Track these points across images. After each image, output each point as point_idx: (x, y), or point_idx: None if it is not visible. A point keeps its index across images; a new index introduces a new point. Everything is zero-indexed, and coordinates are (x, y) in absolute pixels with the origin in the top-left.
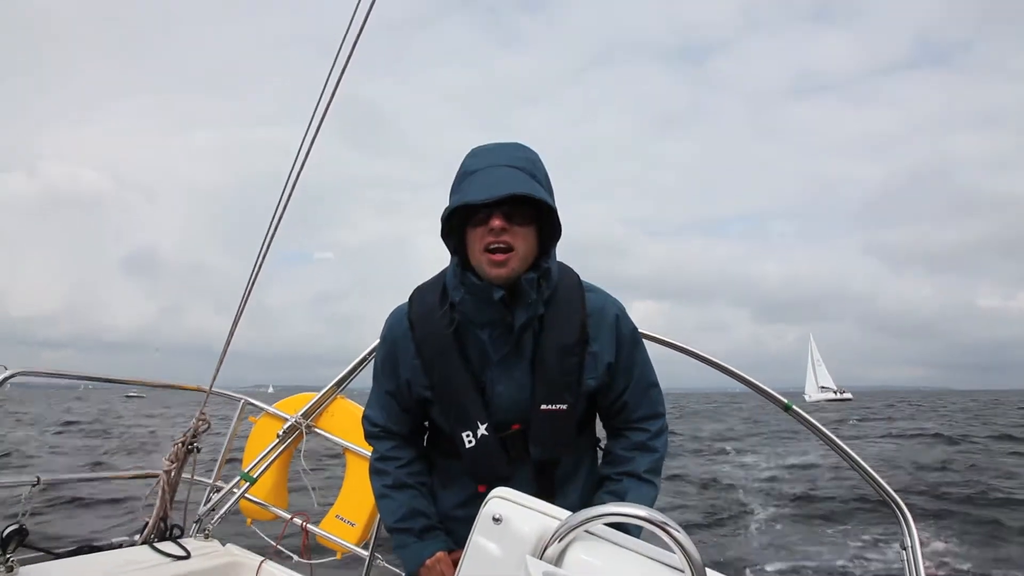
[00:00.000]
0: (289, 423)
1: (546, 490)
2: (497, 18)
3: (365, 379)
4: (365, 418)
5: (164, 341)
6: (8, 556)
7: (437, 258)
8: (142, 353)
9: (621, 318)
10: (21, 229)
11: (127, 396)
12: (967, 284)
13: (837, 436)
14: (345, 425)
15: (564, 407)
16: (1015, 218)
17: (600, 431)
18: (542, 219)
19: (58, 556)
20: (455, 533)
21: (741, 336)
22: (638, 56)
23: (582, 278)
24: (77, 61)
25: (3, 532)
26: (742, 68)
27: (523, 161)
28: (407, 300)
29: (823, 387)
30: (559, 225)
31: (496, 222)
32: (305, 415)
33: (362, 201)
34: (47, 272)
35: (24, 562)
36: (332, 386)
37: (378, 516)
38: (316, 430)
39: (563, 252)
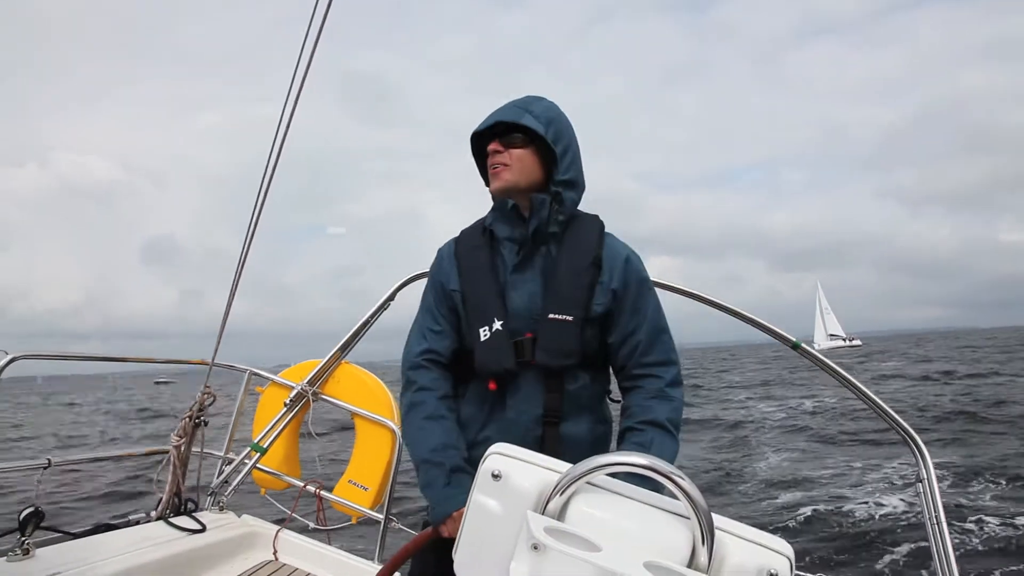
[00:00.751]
0: (295, 391)
1: (555, 405)
2: None
3: (365, 352)
4: (406, 352)
5: (185, 326)
6: (25, 539)
7: (447, 228)
8: (164, 340)
9: (632, 259)
10: (37, 222)
11: (156, 383)
12: (987, 220)
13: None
14: (352, 390)
15: (570, 318)
16: None
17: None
18: (546, 150)
19: (75, 536)
20: (475, 459)
21: (758, 287)
22: (639, 10)
23: None
24: (81, 51)
25: (20, 515)
26: (745, 15)
27: (523, 101)
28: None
29: (832, 335)
30: (553, 151)
31: (491, 146)
32: (311, 382)
33: (370, 174)
34: (66, 264)
35: (41, 544)
36: (336, 351)
37: (391, 479)
38: (323, 397)
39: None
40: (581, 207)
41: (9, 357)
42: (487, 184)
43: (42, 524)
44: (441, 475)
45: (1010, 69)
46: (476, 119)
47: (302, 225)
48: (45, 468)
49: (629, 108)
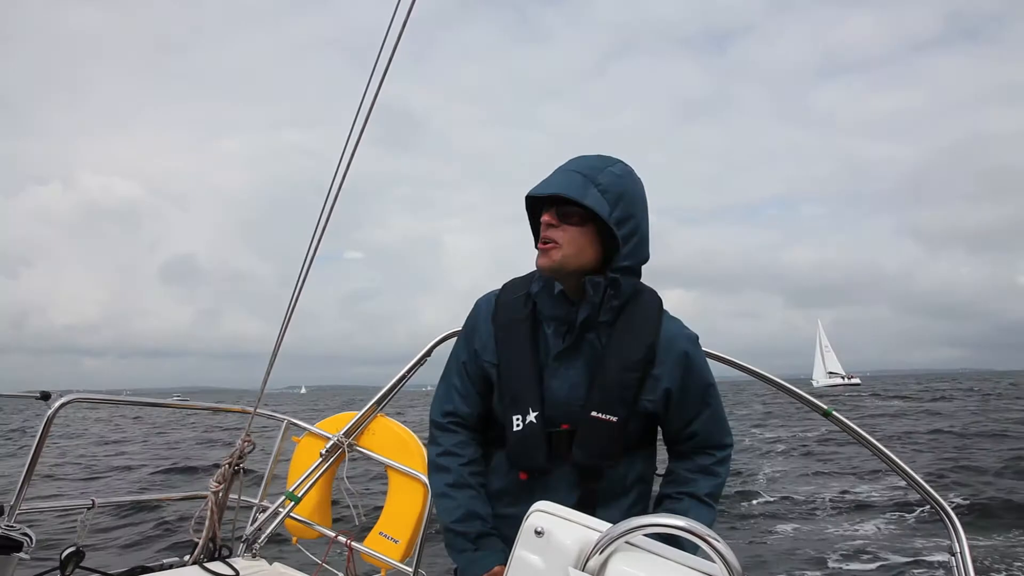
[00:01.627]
0: (331, 442)
1: (587, 499)
2: (522, 15)
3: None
4: (434, 408)
5: (201, 346)
6: None
7: (465, 256)
8: (179, 358)
9: (691, 353)
10: (59, 239)
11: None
12: (1007, 261)
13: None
14: (386, 443)
15: (615, 419)
16: None
17: (660, 459)
18: (608, 230)
19: None
20: (501, 532)
21: (774, 323)
22: (661, 45)
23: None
24: (106, 72)
25: (61, 554)
26: (767, 52)
27: (591, 168)
28: (501, 287)
29: (831, 372)
30: (614, 234)
31: (545, 217)
32: (347, 434)
33: (391, 200)
34: (85, 281)
35: None
36: (372, 404)
37: (421, 532)
38: (358, 448)
39: None
40: None
41: (63, 400)
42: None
43: (82, 564)
44: (467, 542)
45: None
46: (497, 149)
47: (323, 251)
48: (89, 508)
49: (649, 142)
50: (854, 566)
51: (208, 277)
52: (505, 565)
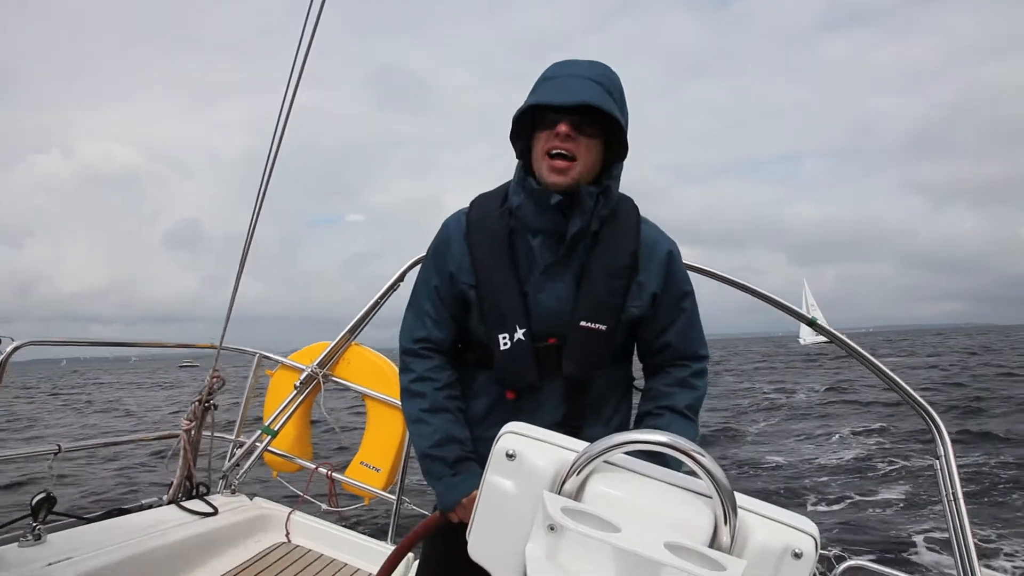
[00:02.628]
0: (305, 373)
1: (575, 411)
2: None
3: (373, 337)
4: (403, 335)
5: (206, 310)
6: (36, 524)
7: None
8: (187, 323)
9: (674, 256)
10: (61, 208)
11: (181, 366)
12: (1010, 216)
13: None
14: (362, 372)
15: (603, 327)
16: None
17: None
18: (610, 137)
19: (87, 521)
20: (483, 455)
21: (776, 279)
22: (661, 2)
23: None
24: (103, 38)
25: (32, 500)
26: (769, 3)
27: (602, 76)
28: (469, 204)
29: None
30: (626, 145)
31: (563, 127)
32: (321, 364)
33: (391, 162)
34: (90, 249)
35: (54, 529)
36: (346, 333)
37: (403, 460)
38: (333, 378)
39: None
40: None
41: (14, 344)
42: (520, 156)
43: (54, 509)
44: (445, 467)
45: None
46: (497, 108)
47: (323, 213)
48: (56, 454)
49: (652, 97)
50: (846, 478)
51: (212, 242)
52: None
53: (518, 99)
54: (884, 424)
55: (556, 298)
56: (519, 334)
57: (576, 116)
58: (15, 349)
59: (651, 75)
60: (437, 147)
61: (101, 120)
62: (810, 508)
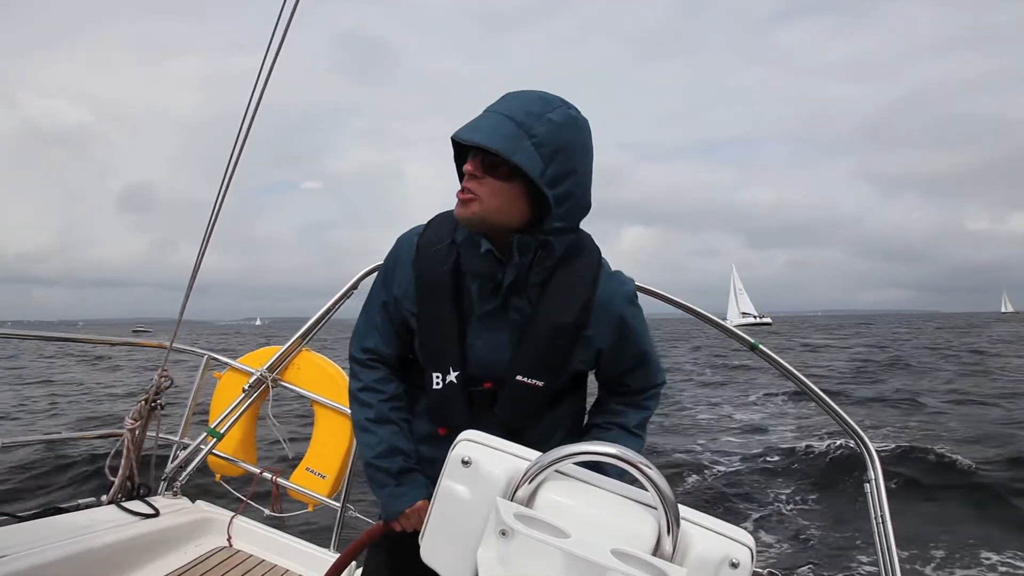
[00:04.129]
0: (255, 377)
1: None
2: None
3: (328, 336)
4: (353, 342)
5: (153, 277)
6: None
7: (425, 187)
8: (132, 288)
9: (627, 316)
10: (3, 164)
11: (134, 331)
12: (957, 207)
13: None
14: (312, 378)
15: (540, 384)
16: (1005, 142)
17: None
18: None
19: (21, 519)
20: (424, 470)
21: (732, 261)
22: None
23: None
24: None
25: None
26: None
27: (528, 115)
28: (425, 223)
29: (744, 313)
30: (548, 197)
31: (467, 166)
32: (270, 368)
33: (349, 130)
34: (36, 209)
35: None
36: (297, 338)
37: (349, 467)
38: (282, 383)
39: None
40: None
41: None
42: None
43: None
44: (389, 477)
45: (989, 61)
46: (461, 79)
47: (277, 180)
48: None
49: (616, 76)
50: (777, 500)
51: (161, 206)
52: (428, 500)
53: (478, 70)
54: (814, 439)
55: (493, 347)
56: (451, 376)
57: (490, 155)
58: None
59: (614, 53)
60: (398, 116)
61: (45, 72)
62: (743, 524)
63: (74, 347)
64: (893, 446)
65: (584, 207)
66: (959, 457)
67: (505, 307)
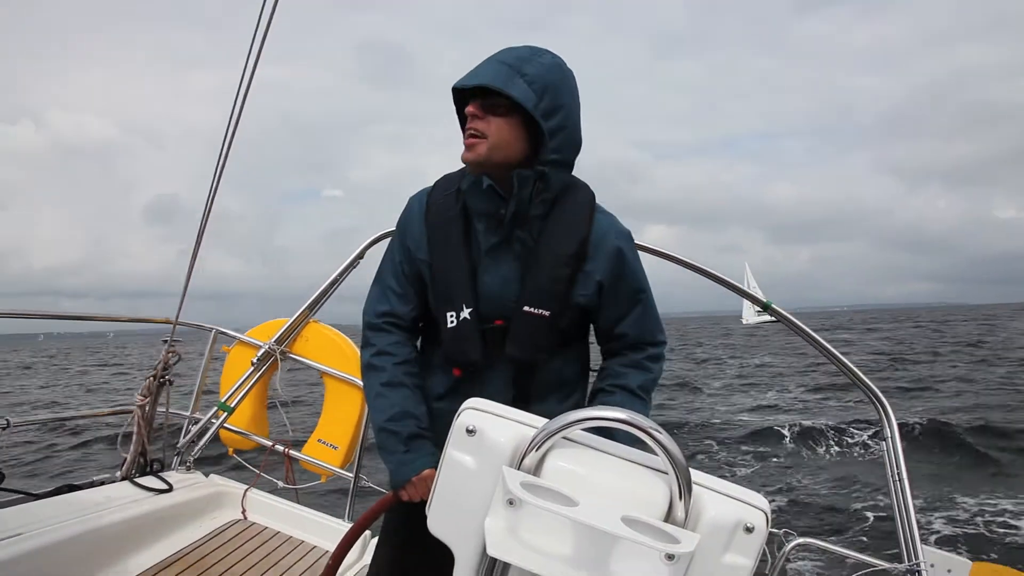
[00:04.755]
0: (263, 350)
1: (522, 394)
2: None
3: (332, 313)
4: (367, 309)
5: (180, 287)
6: None
7: None
8: (159, 298)
9: (623, 252)
10: (34, 180)
11: (164, 340)
12: (983, 196)
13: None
14: (321, 349)
15: (547, 313)
16: None
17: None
18: (536, 121)
19: (37, 497)
20: (437, 430)
21: (755, 258)
22: None
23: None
24: (74, 6)
25: None
26: None
27: (518, 59)
28: (432, 184)
29: (759, 310)
30: (543, 126)
31: (469, 108)
32: (278, 341)
33: (371, 137)
34: (65, 222)
35: (2, 505)
36: (304, 310)
37: (360, 438)
38: (291, 355)
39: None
40: (577, 172)
41: None
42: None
43: (2, 485)
44: (399, 442)
45: (1012, 47)
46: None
47: (301, 187)
48: (3, 428)
49: (634, 75)
50: (793, 462)
51: (188, 217)
52: (435, 468)
53: None
54: (832, 401)
55: (501, 281)
56: (465, 313)
57: (489, 98)
58: None
59: (631, 53)
60: (417, 120)
61: (73, 90)
62: (759, 486)
63: (106, 353)
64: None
65: (576, 142)
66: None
67: (510, 240)
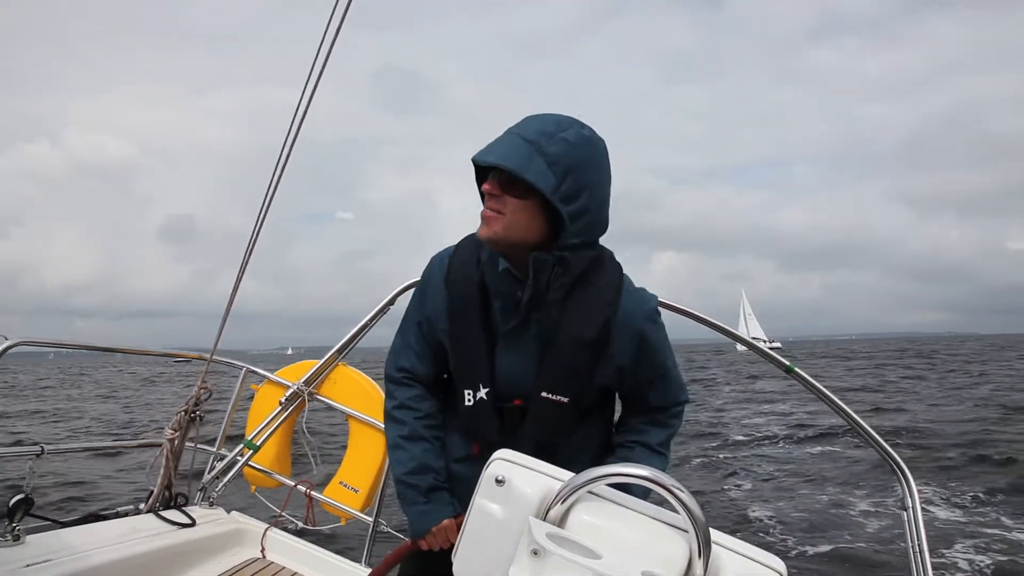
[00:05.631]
0: (291, 390)
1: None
2: None
3: (362, 352)
4: (389, 362)
5: (195, 307)
6: (15, 525)
7: (458, 212)
8: (172, 318)
9: (648, 331)
10: (50, 198)
11: (176, 362)
12: (996, 227)
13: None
14: (347, 392)
15: (566, 400)
16: None
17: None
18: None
19: (64, 525)
20: (456, 489)
21: (765, 286)
22: (653, 2)
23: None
24: (90, 27)
25: (9, 502)
26: (761, 11)
27: (541, 134)
28: (456, 244)
29: (755, 337)
30: (562, 213)
31: (485, 186)
32: (307, 382)
33: (380, 160)
34: (78, 241)
35: (31, 531)
36: (333, 353)
37: (382, 482)
38: (318, 397)
39: None
40: None
41: (8, 343)
42: None
43: (31, 512)
44: (418, 494)
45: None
46: (490, 106)
47: (312, 211)
48: (38, 456)
49: (644, 101)
50: (813, 520)
51: (202, 237)
52: (454, 519)
53: (506, 96)
54: (847, 458)
55: (518, 364)
56: (482, 393)
57: (505, 175)
58: (7, 349)
59: (642, 78)
60: (430, 145)
61: (90, 110)
62: (773, 543)
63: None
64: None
65: (601, 223)
66: None
67: (527, 324)
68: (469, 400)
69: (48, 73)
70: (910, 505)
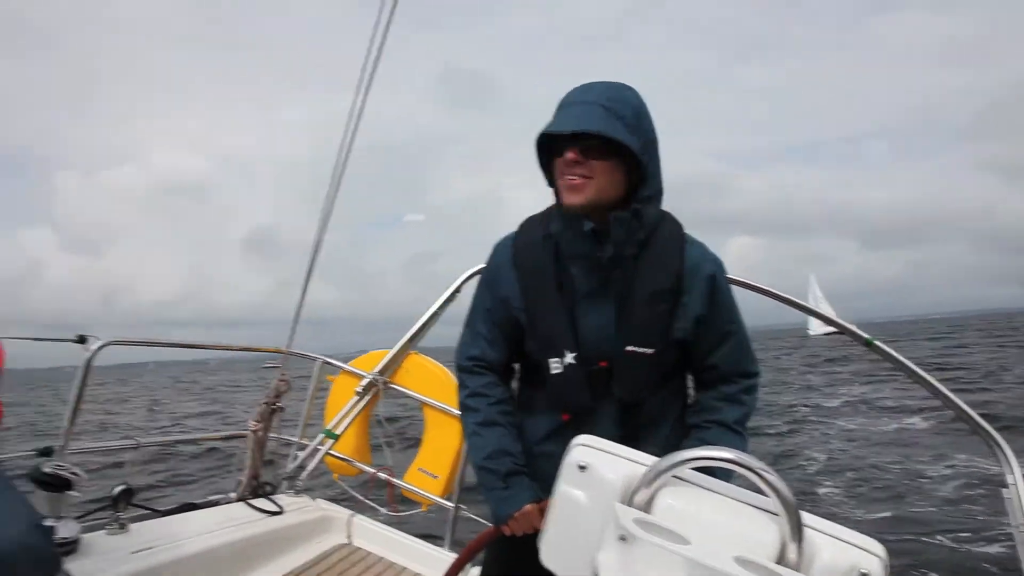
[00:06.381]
0: (366, 380)
1: (630, 432)
2: None
3: (435, 337)
4: (459, 353)
5: (280, 315)
6: (119, 514)
7: (526, 210)
8: (261, 327)
9: (718, 276)
10: (137, 218)
11: (264, 367)
12: None
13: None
14: (420, 380)
15: (650, 351)
16: None
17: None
18: (630, 160)
19: (162, 513)
20: (541, 469)
21: (848, 267)
22: None
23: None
24: (166, 50)
25: (113, 491)
26: None
27: (609, 100)
28: (517, 228)
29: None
30: (647, 165)
31: (569, 155)
32: (381, 372)
33: (449, 161)
34: (169, 257)
35: (132, 520)
36: (405, 342)
37: (460, 468)
38: (393, 386)
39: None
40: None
41: (100, 343)
42: (550, 184)
43: (132, 501)
44: (497, 479)
45: None
46: (554, 98)
47: (386, 213)
48: (135, 448)
49: (706, 84)
50: (909, 503)
51: (283, 247)
52: (535, 503)
53: (567, 87)
54: (940, 431)
55: (601, 323)
56: (569, 358)
57: (585, 142)
58: (100, 348)
59: (705, 58)
60: (495, 142)
61: (173, 131)
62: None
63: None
64: None
65: (660, 175)
66: None
67: (606, 283)
68: (557, 368)
69: (130, 103)
70: (1012, 482)
